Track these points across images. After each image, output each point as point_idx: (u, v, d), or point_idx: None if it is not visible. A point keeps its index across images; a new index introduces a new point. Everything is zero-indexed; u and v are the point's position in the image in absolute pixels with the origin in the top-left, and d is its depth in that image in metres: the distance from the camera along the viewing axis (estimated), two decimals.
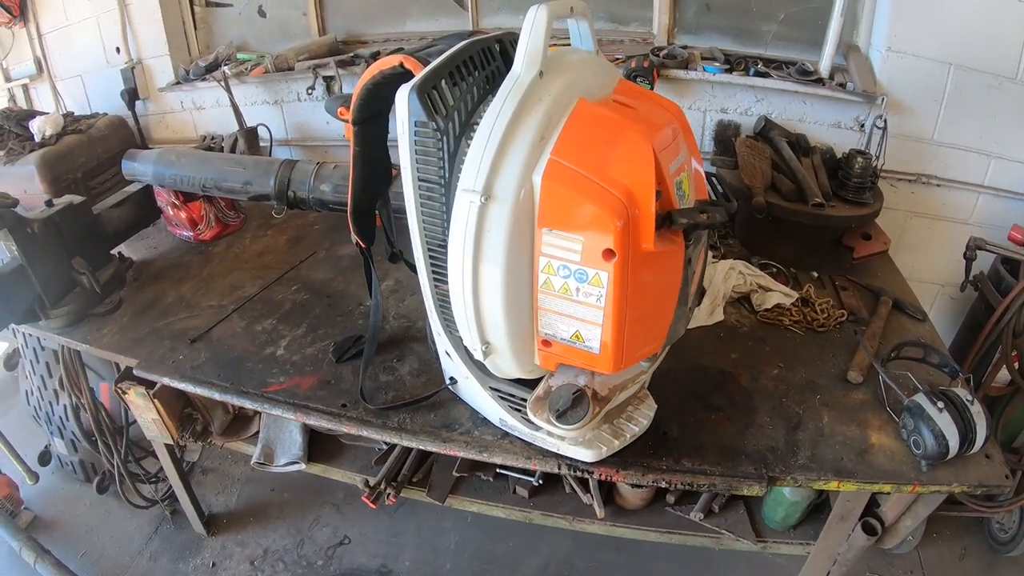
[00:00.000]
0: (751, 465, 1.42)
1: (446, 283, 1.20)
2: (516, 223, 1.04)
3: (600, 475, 1.39)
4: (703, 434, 1.50)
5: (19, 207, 2.40)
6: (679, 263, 1.15)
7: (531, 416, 1.23)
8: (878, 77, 2.33)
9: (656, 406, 1.44)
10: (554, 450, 1.39)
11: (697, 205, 1.23)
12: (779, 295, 1.93)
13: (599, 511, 1.93)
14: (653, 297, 1.14)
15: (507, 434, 1.48)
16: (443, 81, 1.11)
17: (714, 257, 2.13)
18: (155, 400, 2.01)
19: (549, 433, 1.34)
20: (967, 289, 2.39)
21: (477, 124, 1.09)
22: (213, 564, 2.61)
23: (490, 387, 1.41)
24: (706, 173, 1.42)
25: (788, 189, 2.08)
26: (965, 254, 2.27)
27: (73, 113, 3.31)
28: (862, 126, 2.41)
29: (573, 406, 1.18)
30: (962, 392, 1.44)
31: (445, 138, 1.10)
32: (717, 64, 2.46)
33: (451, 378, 1.53)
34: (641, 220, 1.01)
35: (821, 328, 1.86)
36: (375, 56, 2.87)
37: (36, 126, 2.98)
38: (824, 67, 2.40)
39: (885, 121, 2.27)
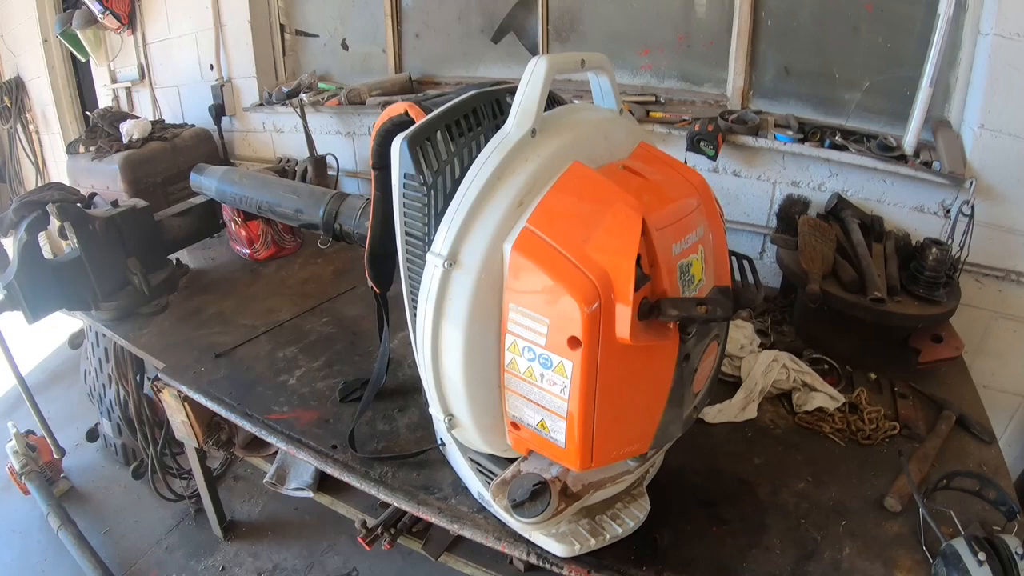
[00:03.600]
0: None
1: None
2: (480, 294, 0.96)
3: (570, 572, 1.26)
4: (698, 547, 1.33)
5: (98, 199, 2.54)
6: (671, 359, 1.02)
7: (491, 498, 1.12)
8: (968, 157, 2.09)
9: (649, 508, 1.29)
10: (526, 536, 1.28)
11: (710, 294, 1.11)
12: (824, 397, 1.73)
13: None
14: (632, 394, 1.02)
15: (483, 508, 1.38)
16: (439, 133, 1.06)
17: (760, 346, 1.95)
18: (185, 403, 2.05)
19: None
20: None
21: None
22: (223, 568, 2.63)
23: (469, 458, 1.32)
24: (740, 256, 1.27)
25: (850, 278, 1.89)
26: None
27: (164, 121, 3.52)
28: (947, 212, 2.18)
29: (532, 498, 1.07)
30: (1013, 541, 1.21)
31: (432, 193, 1.04)
32: (790, 133, 2.29)
33: (441, 440, 1.45)
34: (617, 308, 0.90)
35: (866, 440, 1.65)
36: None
37: (125, 128, 3.18)
38: (908, 143, 2.19)
39: (972, 207, 2.04)
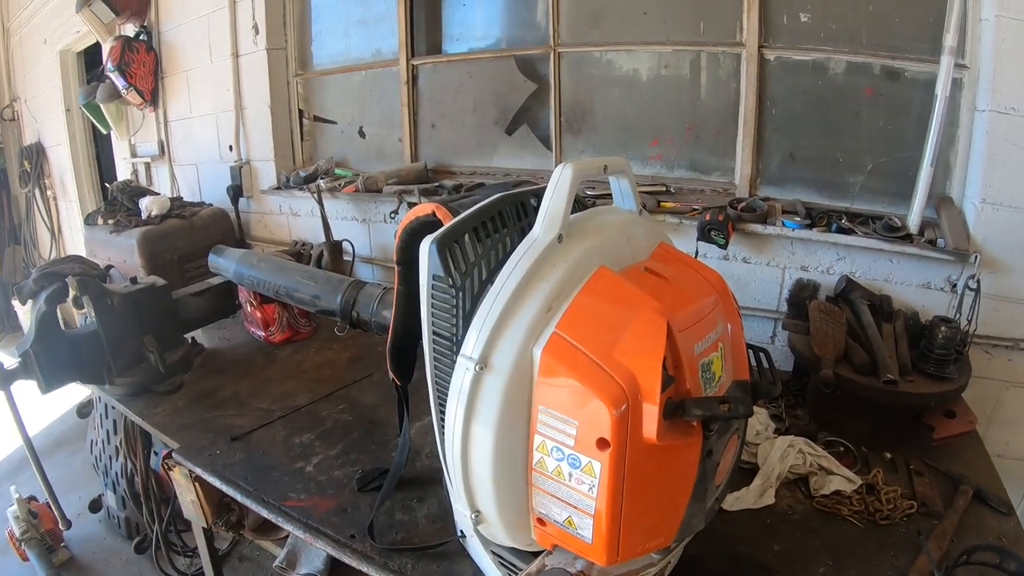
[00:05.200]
0: None
1: None
2: (510, 397, 0.99)
3: None
4: None
5: (114, 271, 2.58)
6: (694, 456, 1.04)
7: None
8: (972, 232, 2.15)
9: None
10: None
11: (729, 390, 1.14)
12: (841, 480, 1.72)
13: None
14: (658, 491, 1.03)
15: None
16: (467, 236, 1.10)
17: (776, 431, 1.96)
18: (196, 483, 2.03)
19: None
20: None
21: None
22: None
23: (491, 551, 1.31)
24: (757, 348, 1.29)
25: (862, 361, 1.91)
26: None
27: (182, 198, 3.62)
28: (954, 287, 2.22)
29: None
30: None
31: (461, 295, 1.07)
32: (798, 219, 2.35)
33: (461, 531, 1.44)
34: (644, 410, 0.93)
35: (885, 521, 1.64)
36: (458, 188, 2.99)
37: (144, 204, 3.28)
38: (913, 222, 2.25)
39: (978, 281, 2.09)
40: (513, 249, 1.09)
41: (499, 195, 1.18)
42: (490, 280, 1.08)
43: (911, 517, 1.66)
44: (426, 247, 1.10)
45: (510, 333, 0.99)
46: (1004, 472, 1.87)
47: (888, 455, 1.91)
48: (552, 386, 0.97)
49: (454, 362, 1.08)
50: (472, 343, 1.01)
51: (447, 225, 1.11)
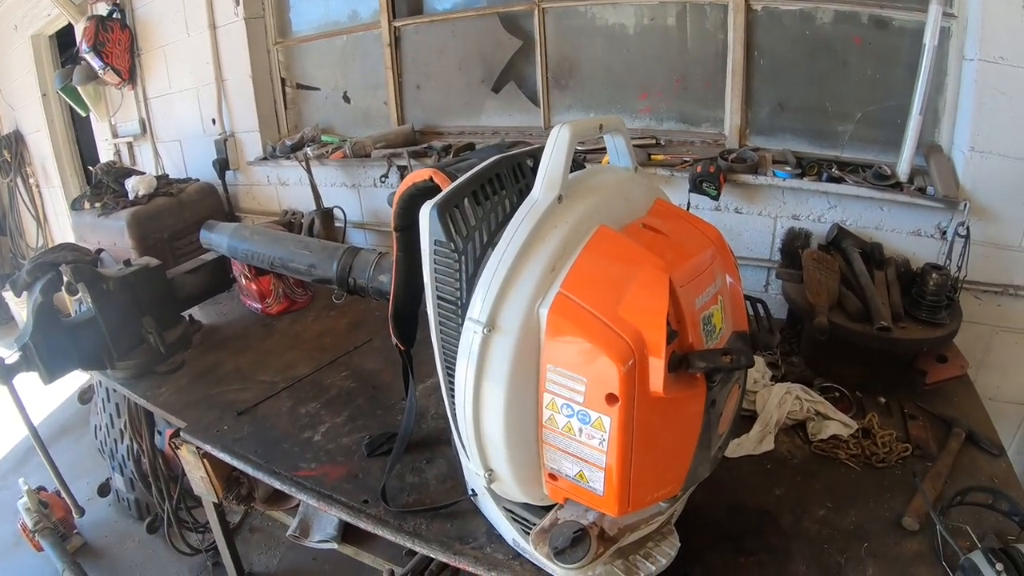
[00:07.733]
0: None
1: None
2: (519, 356, 1.01)
3: None
4: None
5: (105, 255, 2.57)
6: (699, 406, 1.07)
7: (532, 548, 1.16)
8: (961, 180, 2.16)
9: (679, 545, 1.32)
10: None
11: (730, 342, 1.16)
12: (837, 425, 1.77)
13: None
14: (665, 442, 1.06)
15: (519, 555, 1.40)
16: (466, 200, 1.11)
17: (772, 378, 2.00)
18: (204, 460, 2.05)
19: None
20: None
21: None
22: None
23: (504, 507, 1.35)
24: (754, 299, 1.31)
25: (855, 308, 1.94)
26: None
27: (168, 176, 3.58)
28: (944, 234, 2.25)
29: (572, 545, 1.11)
30: None
31: (463, 259, 1.08)
32: (788, 168, 2.36)
33: (472, 490, 1.48)
34: (650, 364, 0.95)
35: (881, 464, 1.69)
36: (447, 149, 2.96)
37: (131, 185, 3.23)
38: (902, 170, 2.26)
39: (968, 228, 2.11)
40: (513, 211, 1.10)
41: (496, 157, 1.18)
42: (491, 243, 1.09)
43: (906, 460, 1.71)
44: (426, 212, 1.10)
45: (516, 294, 1.00)
46: (995, 414, 1.93)
47: (882, 400, 1.96)
48: (560, 345, 0.99)
49: (460, 325, 1.09)
50: (479, 306, 1.02)
51: (446, 190, 1.12)
